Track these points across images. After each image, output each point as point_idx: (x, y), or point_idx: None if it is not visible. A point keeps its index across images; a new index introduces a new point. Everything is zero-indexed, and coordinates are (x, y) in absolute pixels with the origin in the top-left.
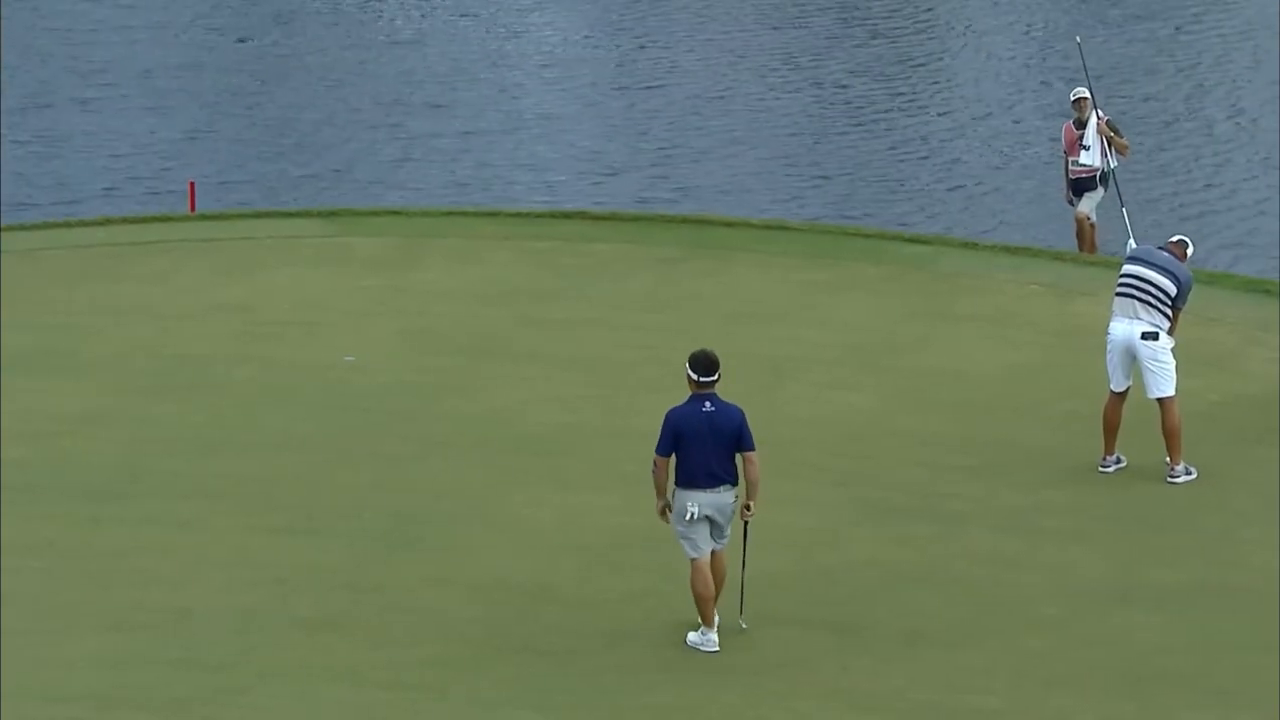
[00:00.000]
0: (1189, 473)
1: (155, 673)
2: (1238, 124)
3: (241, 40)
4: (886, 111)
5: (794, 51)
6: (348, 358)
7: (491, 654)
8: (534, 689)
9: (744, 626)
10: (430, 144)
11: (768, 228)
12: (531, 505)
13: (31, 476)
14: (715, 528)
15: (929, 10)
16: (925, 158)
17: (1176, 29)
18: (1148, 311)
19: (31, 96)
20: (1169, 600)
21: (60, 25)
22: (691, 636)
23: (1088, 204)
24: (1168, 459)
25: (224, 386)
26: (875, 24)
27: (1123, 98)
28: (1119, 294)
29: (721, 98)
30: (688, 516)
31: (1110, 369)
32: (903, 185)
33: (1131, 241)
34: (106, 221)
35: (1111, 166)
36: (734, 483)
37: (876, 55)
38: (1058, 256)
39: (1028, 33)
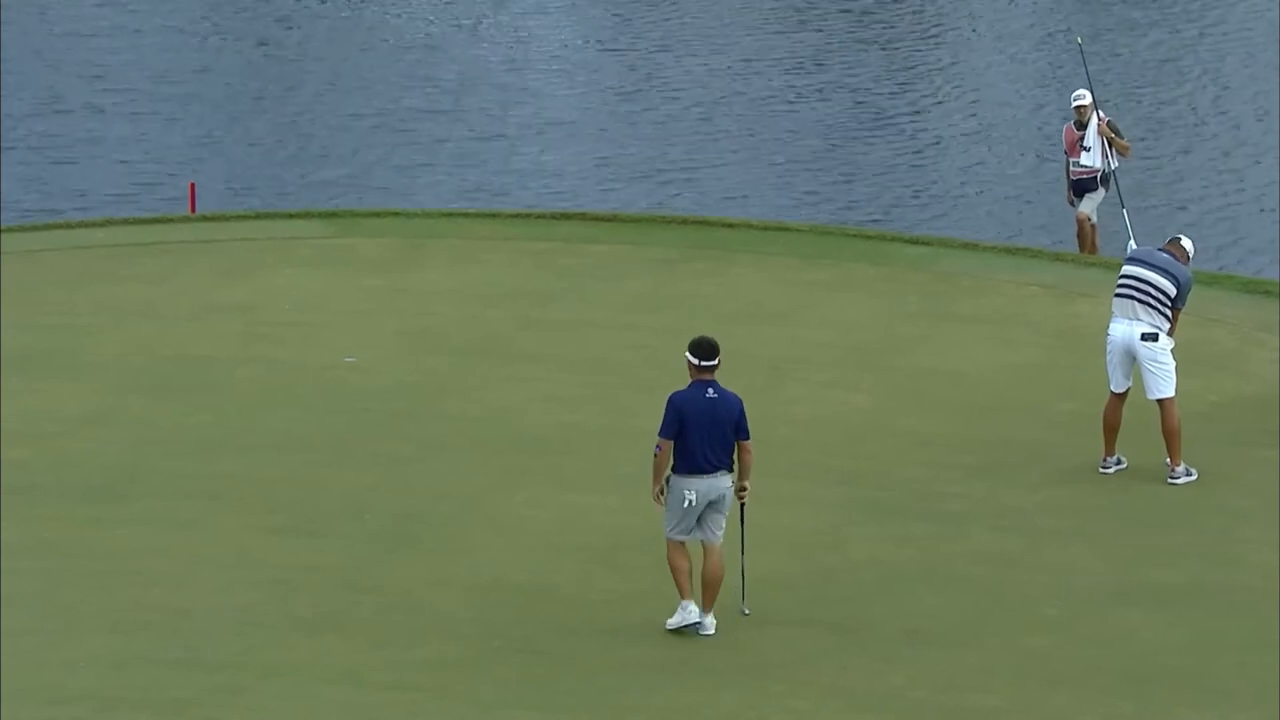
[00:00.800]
0: (1189, 474)
1: (155, 673)
2: (1237, 124)
3: (262, 44)
4: (887, 112)
5: (797, 55)
6: (348, 358)
7: (491, 654)
8: (534, 689)
9: (746, 613)
10: (434, 146)
11: (768, 228)
12: (531, 505)
13: (32, 477)
14: (710, 514)
15: (935, 12)
16: (926, 158)
17: (1200, 33)
18: (1147, 312)
19: (47, 102)
20: (1169, 600)
21: (69, 30)
22: (671, 620)
23: (1088, 205)
24: (1168, 460)
25: (224, 387)
26: (881, 28)
27: (1122, 98)
28: (1118, 295)
29: (722, 101)
30: (685, 504)
31: (1110, 370)
32: (903, 185)
33: (1132, 242)
34: (107, 222)
35: (1112, 167)
36: (730, 468)
37: (880, 58)
38: (1058, 257)
39: (1031, 32)
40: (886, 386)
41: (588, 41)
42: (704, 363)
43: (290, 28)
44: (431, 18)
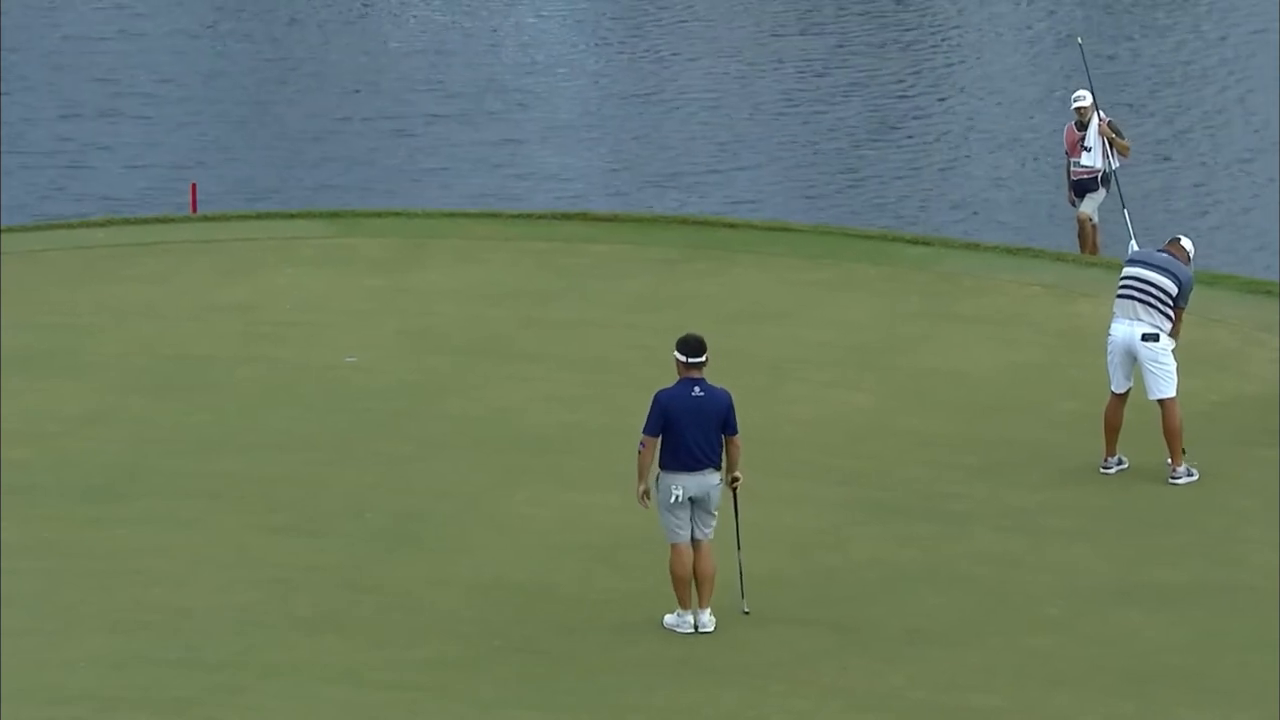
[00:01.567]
0: (1190, 474)
1: (155, 672)
2: (1237, 124)
3: (269, 45)
4: (889, 112)
5: (799, 58)
6: (349, 358)
7: (492, 653)
8: (534, 689)
9: (746, 612)
10: (438, 148)
11: (769, 229)
12: (532, 505)
13: (32, 477)
14: (700, 513)
15: (938, 13)
16: (927, 158)
17: (1201, 35)
18: (1148, 312)
19: (47, 104)
20: (1171, 600)
21: (73, 33)
22: (668, 619)
23: (1089, 205)
24: (1169, 460)
25: (225, 387)
26: (883, 30)
27: (1124, 98)
28: (1120, 295)
29: (724, 103)
30: (673, 499)
31: (1111, 370)
32: (905, 185)
33: (1134, 243)
34: (108, 222)
35: (1113, 168)
36: (718, 466)
37: (883, 60)
38: (1059, 257)
39: (1033, 33)
40: (888, 386)
41: (593, 44)
42: (691, 360)
43: (292, 21)
44: (439, 19)
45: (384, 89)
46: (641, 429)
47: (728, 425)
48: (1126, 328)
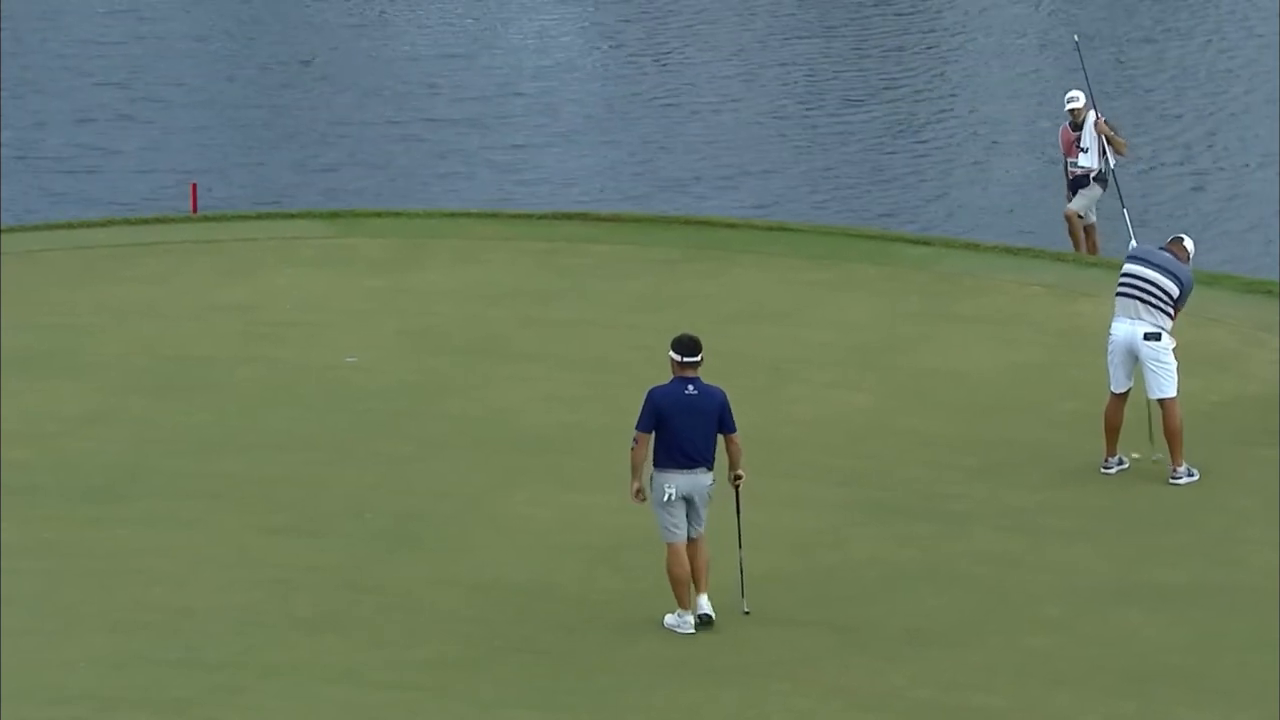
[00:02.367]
0: (1191, 474)
1: (155, 672)
2: (1237, 124)
3: (305, 62)
4: (891, 113)
5: (800, 59)
6: (349, 358)
7: (491, 654)
8: (534, 689)
9: (747, 611)
10: (442, 150)
11: (769, 229)
12: (532, 505)
13: (32, 477)
14: (692, 513)
15: (941, 14)
16: (928, 159)
17: (1203, 35)
18: (1149, 312)
19: (69, 111)
20: (1171, 600)
21: (79, 37)
22: (669, 619)
23: (1079, 202)
24: (1161, 455)
25: (225, 387)
26: (886, 33)
27: (1125, 97)
28: (1120, 294)
29: (727, 104)
30: (665, 498)
31: (1111, 369)
32: (905, 185)
33: (1134, 241)
34: (108, 222)
35: (1110, 166)
36: (711, 465)
37: (885, 60)
38: (1059, 257)
39: (1034, 34)
40: (888, 386)
41: (598, 48)
42: (685, 359)
43: (298, 17)
44: (447, 24)
45: (391, 93)
46: (635, 426)
47: (724, 424)
48: (1128, 327)
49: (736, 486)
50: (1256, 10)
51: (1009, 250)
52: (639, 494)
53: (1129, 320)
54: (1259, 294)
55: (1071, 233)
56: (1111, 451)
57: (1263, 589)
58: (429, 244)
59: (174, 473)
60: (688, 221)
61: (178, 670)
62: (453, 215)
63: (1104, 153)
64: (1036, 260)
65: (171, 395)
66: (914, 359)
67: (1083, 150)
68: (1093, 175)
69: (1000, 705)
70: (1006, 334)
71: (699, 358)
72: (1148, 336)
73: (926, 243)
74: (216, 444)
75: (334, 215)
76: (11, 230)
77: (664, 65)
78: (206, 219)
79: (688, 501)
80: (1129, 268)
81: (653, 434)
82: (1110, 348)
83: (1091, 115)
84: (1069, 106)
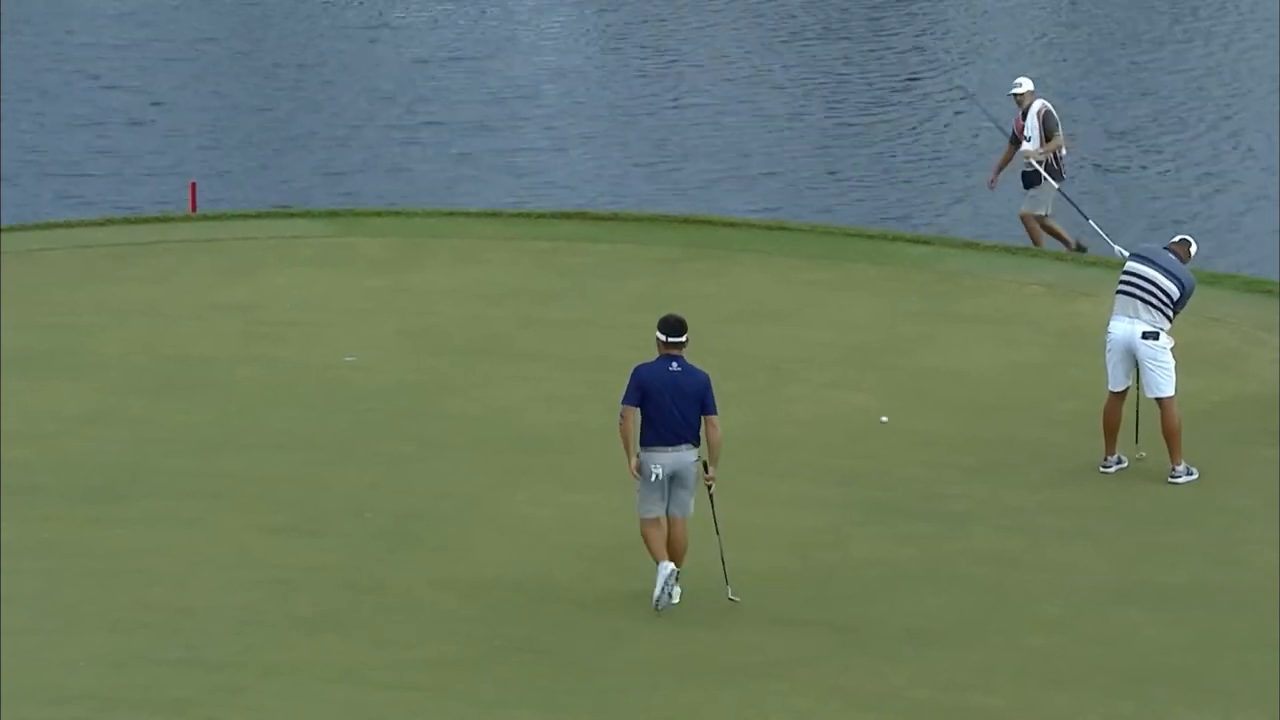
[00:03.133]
0: (1190, 473)
1: (156, 672)
2: (1239, 123)
3: (302, 66)
4: (891, 113)
5: (802, 60)
6: (349, 358)
7: (492, 654)
8: (534, 689)
9: (734, 599)
10: (445, 153)
11: (769, 228)
12: (533, 505)
13: (32, 477)
14: (676, 490)
15: (941, 14)
16: (928, 158)
17: (1203, 35)
18: (1149, 311)
19: (74, 113)
20: (1171, 600)
21: (84, 40)
22: (654, 594)
23: (1028, 203)
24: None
25: (225, 386)
26: (887, 33)
27: (1125, 97)
28: (1121, 292)
29: (728, 105)
30: (652, 478)
31: (1110, 368)
32: (905, 185)
33: (1118, 248)
34: (108, 222)
35: (1059, 158)
36: (695, 443)
37: (886, 61)
38: (1059, 257)
39: (1034, 35)
40: (888, 386)
41: (600, 50)
42: (670, 339)
43: (295, 16)
44: (449, 27)
45: (397, 95)
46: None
47: (706, 405)
48: (1126, 325)
49: (709, 487)
50: (1257, 10)
51: (1009, 250)
52: (638, 470)
53: (1128, 319)
54: (1259, 293)
55: (1028, 231)
56: (1111, 451)
57: (1263, 589)
58: (429, 243)
59: (174, 472)
60: (688, 221)
61: (178, 670)
62: (453, 215)
63: (1044, 144)
64: (1036, 260)
65: (171, 395)
66: (914, 359)
67: (1026, 139)
68: (1043, 171)
69: (1000, 705)
70: (1006, 334)
71: (684, 338)
72: (1146, 335)
73: (926, 242)
74: (217, 444)
75: (334, 214)
76: (11, 230)
77: (668, 68)
78: (206, 218)
79: (672, 480)
80: (1131, 266)
81: (638, 409)
82: (1109, 346)
83: (1038, 104)
84: (1012, 92)
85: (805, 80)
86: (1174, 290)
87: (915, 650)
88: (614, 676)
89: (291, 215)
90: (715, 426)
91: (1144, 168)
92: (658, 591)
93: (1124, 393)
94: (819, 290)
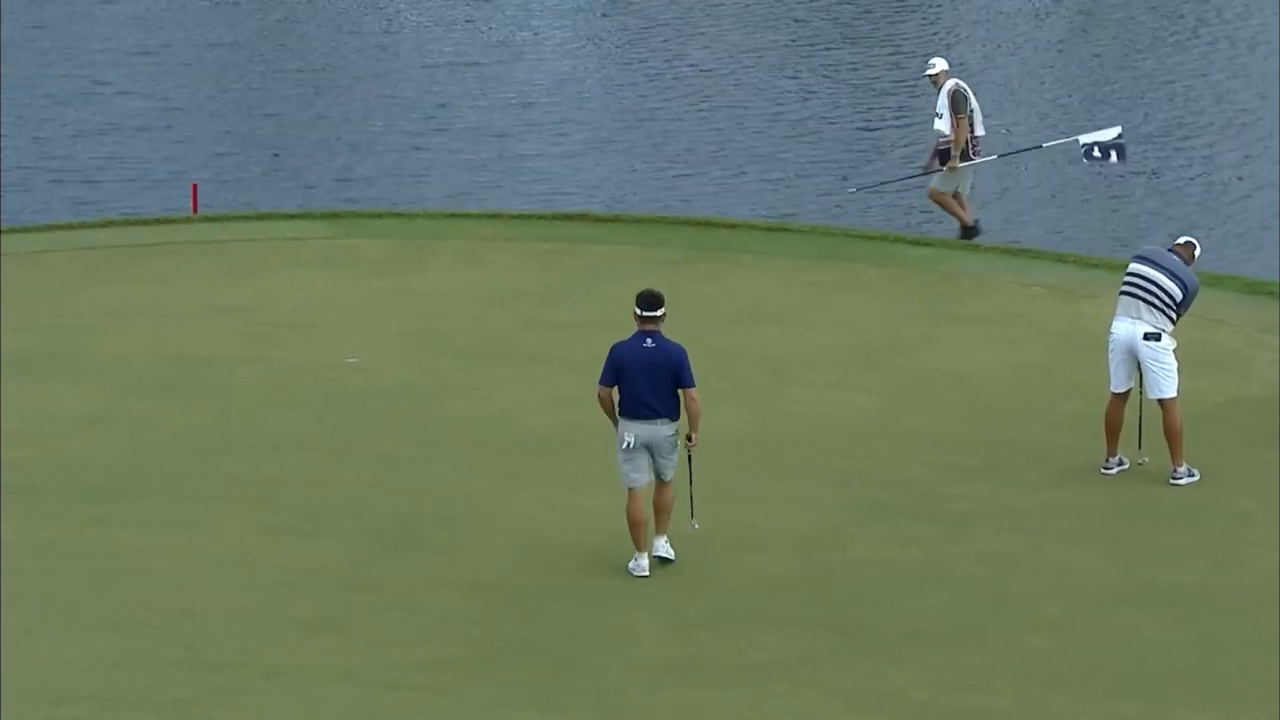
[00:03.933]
0: (1191, 474)
1: (156, 673)
2: (1240, 124)
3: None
4: (891, 113)
5: (802, 60)
6: (350, 359)
7: (491, 654)
8: (535, 689)
9: (695, 527)
10: (446, 153)
11: (770, 229)
12: (534, 506)
13: (33, 477)
14: (657, 459)
15: (941, 14)
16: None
17: (1204, 34)
18: (1150, 312)
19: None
20: (1172, 600)
21: (86, 43)
22: (630, 564)
23: (937, 180)
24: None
25: (226, 388)
26: (887, 33)
27: (1127, 96)
28: (1123, 293)
29: (729, 105)
30: (624, 445)
31: (1111, 369)
32: (904, 186)
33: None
34: (109, 223)
35: (976, 135)
36: (673, 417)
37: (886, 61)
38: (1060, 258)
39: (1033, 34)
40: (889, 387)
41: (600, 49)
42: (646, 313)
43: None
44: (453, 30)
45: (401, 97)
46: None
47: (682, 378)
48: (1128, 326)
49: (689, 451)
50: (1255, 7)
51: (1009, 251)
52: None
53: (1130, 319)
54: (1261, 295)
55: (943, 206)
56: (1112, 452)
57: (1264, 590)
58: (430, 245)
59: (174, 473)
60: (689, 222)
61: (178, 671)
62: (454, 216)
63: (954, 125)
64: (1037, 261)
65: (172, 396)
66: (915, 360)
67: (938, 116)
68: (953, 149)
69: (1000, 706)
70: (1007, 335)
71: (659, 312)
72: (1147, 336)
73: (927, 243)
74: (217, 445)
75: (335, 216)
76: (13, 231)
77: (675, 70)
78: (207, 219)
79: (650, 451)
80: (1134, 267)
81: (615, 387)
82: (1110, 346)
83: (950, 83)
84: (927, 73)
85: (807, 83)
86: (1176, 291)
87: (916, 651)
88: (615, 677)
89: (293, 217)
90: (694, 399)
91: (1144, 168)
92: (631, 567)
93: (1126, 394)
94: (820, 291)
